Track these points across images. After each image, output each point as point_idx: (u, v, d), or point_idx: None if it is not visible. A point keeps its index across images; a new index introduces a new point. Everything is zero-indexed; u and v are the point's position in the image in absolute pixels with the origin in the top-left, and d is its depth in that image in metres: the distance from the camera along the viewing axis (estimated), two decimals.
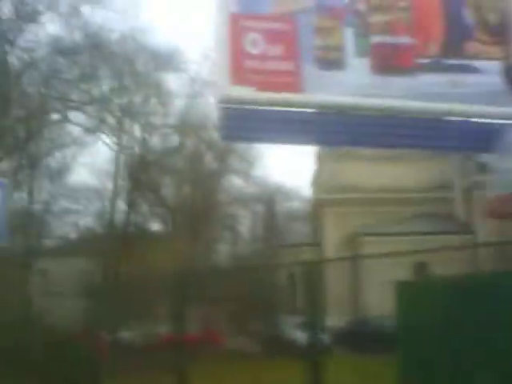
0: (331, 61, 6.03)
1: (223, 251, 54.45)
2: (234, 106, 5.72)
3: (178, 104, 39.94)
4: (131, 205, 38.12)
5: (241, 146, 43.41)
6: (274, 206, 60.82)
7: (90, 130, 35.60)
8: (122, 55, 33.97)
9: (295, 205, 63.51)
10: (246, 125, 5.79)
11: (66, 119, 32.84)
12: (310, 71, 5.97)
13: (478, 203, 34.94)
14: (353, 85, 6.05)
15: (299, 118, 5.95)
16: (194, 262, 32.14)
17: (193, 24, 65.28)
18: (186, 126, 38.45)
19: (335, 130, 6.08)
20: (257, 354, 19.12)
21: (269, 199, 57.89)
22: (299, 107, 6.01)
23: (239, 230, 58.53)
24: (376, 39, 6.19)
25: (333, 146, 7.09)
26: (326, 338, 25.28)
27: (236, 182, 47.59)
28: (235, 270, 24.80)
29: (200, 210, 40.43)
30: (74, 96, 32.84)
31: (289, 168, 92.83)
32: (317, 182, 43.10)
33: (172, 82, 36.17)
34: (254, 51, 5.82)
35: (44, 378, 13.42)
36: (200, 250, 37.25)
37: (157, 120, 38.96)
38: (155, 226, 44.60)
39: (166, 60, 37.06)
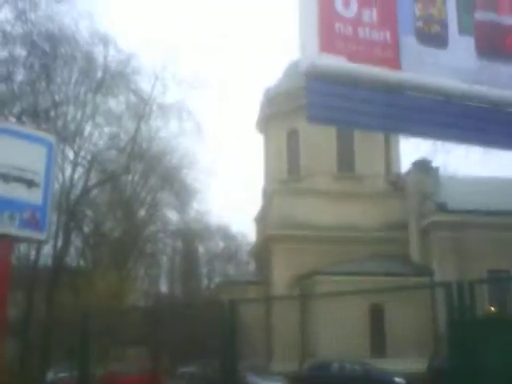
0: (433, 35, 5.04)
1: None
2: (322, 76, 4.59)
3: None
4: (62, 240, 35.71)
5: (179, 178, 42.04)
6: (217, 243, 59.47)
7: None
8: None
9: (241, 242, 62.24)
10: (335, 103, 4.37)
11: None
12: (409, 44, 4.94)
13: (435, 244, 34.33)
14: (457, 67, 4.97)
15: (396, 101, 4.64)
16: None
17: None
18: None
19: (438, 120, 4.63)
20: None
21: (210, 235, 56.44)
22: (395, 86, 4.81)
23: (176, 265, 56.97)
24: (480, 16, 5.23)
25: (434, 138, 5.56)
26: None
27: (171, 216, 46.06)
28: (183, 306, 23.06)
29: (127, 246, 38.78)
30: None
31: (234, 203, 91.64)
32: (266, 217, 41.56)
33: None
34: (347, 14, 4.77)
35: None
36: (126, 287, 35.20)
37: None
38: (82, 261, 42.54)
39: None
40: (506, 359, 5.98)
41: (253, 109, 50.79)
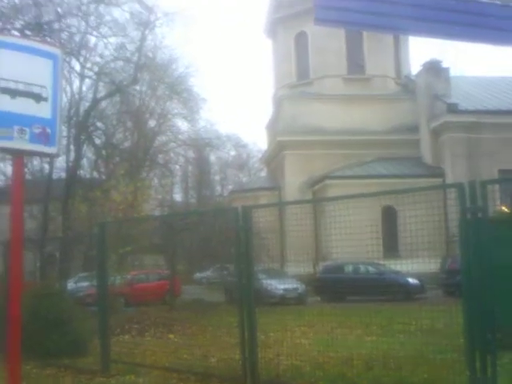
0: None
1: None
2: None
3: None
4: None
5: (187, 87, 41.59)
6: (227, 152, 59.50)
7: None
8: None
9: (252, 149, 62.25)
10: (342, 4, 4.04)
11: None
12: None
13: (447, 145, 34.13)
14: None
15: None
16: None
17: None
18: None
19: (448, 17, 4.35)
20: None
21: (221, 143, 56.43)
22: None
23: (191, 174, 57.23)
24: None
25: (444, 37, 4.81)
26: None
27: (181, 125, 45.88)
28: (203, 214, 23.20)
29: (139, 156, 38.88)
30: None
31: (245, 111, 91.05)
32: (277, 123, 41.30)
33: None
34: None
35: None
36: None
37: None
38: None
39: None
40: None
41: (260, 13, 49.58)
